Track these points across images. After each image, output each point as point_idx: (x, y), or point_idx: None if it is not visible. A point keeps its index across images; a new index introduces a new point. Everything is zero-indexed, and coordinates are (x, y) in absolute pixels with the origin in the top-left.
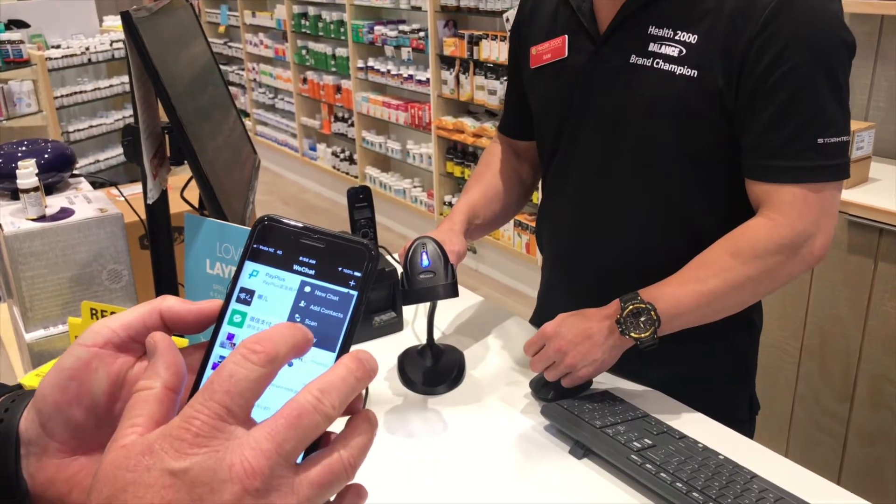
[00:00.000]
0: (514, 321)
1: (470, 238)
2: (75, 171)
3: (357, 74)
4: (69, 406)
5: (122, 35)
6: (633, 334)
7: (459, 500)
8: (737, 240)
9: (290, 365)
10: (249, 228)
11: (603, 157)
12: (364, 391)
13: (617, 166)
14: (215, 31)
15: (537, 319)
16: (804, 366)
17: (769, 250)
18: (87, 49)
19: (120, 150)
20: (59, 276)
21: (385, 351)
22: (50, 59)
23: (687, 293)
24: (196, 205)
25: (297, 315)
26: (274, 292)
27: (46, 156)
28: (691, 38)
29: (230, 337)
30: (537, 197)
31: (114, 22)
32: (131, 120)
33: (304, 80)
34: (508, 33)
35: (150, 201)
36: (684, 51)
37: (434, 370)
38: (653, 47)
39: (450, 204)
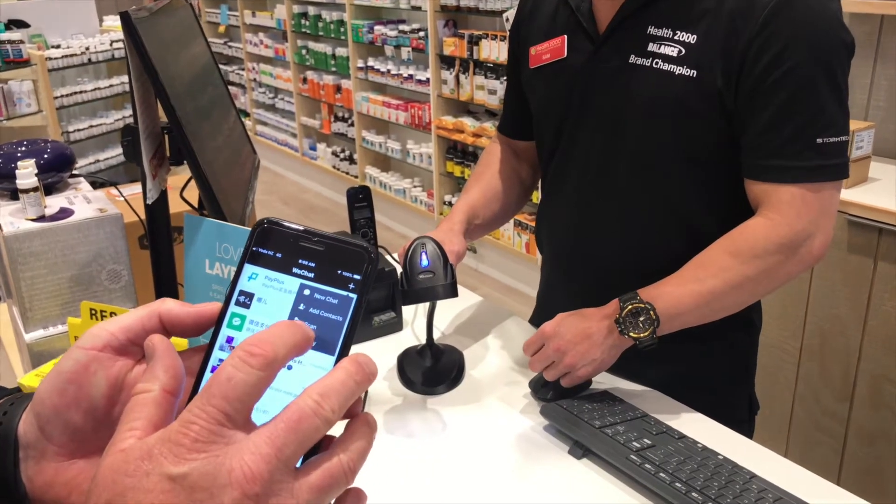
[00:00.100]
0: (513, 321)
1: (469, 238)
2: (75, 171)
3: (357, 74)
4: (68, 409)
5: (122, 35)
6: (632, 334)
7: (459, 500)
8: (736, 239)
9: (290, 368)
10: (249, 229)
11: (602, 157)
12: (363, 393)
13: (616, 166)
14: (215, 31)
15: (537, 319)
16: (804, 365)
17: (768, 250)
18: (87, 49)
19: (120, 150)
20: (59, 276)
21: (384, 351)
22: (50, 58)
23: (686, 293)
24: (195, 205)
25: (296, 318)
26: (273, 295)
27: (46, 156)
28: (690, 38)
29: (229, 340)
30: (537, 197)
31: (114, 22)
32: (131, 120)
33: (304, 80)
34: (508, 33)
35: (149, 201)
36: (683, 51)
37: (433, 370)
38: (652, 47)
39: (450, 203)
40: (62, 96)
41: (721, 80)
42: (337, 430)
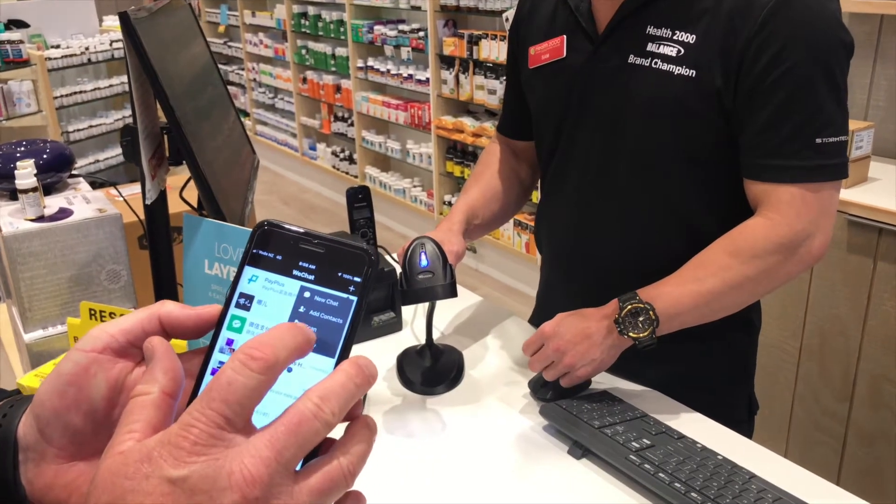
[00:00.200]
0: (512, 321)
1: (469, 238)
2: (74, 172)
3: (357, 74)
4: (67, 411)
5: (121, 35)
6: (631, 334)
7: (458, 500)
8: (735, 239)
9: (289, 370)
10: (248, 229)
11: (602, 157)
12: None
13: (616, 166)
14: (215, 31)
15: (536, 319)
16: (803, 365)
17: (768, 250)
18: (87, 49)
19: (119, 150)
20: (58, 276)
21: (384, 351)
22: (49, 59)
23: (685, 293)
24: (195, 205)
25: (296, 321)
26: (273, 297)
27: (45, 156)
28: (689, 38)
29: (229, 342)
30: (536, 196)
31: (113, 22)
32: (131, 120)
33: (304, 80)
34: (508, 33)
35: (148, 202)
36: (682, 51)
37: (433, 370)
38: (651, 47)
39: (449, 203)
40: (62, 96)
41: (720, 79)
42: (337, 432)
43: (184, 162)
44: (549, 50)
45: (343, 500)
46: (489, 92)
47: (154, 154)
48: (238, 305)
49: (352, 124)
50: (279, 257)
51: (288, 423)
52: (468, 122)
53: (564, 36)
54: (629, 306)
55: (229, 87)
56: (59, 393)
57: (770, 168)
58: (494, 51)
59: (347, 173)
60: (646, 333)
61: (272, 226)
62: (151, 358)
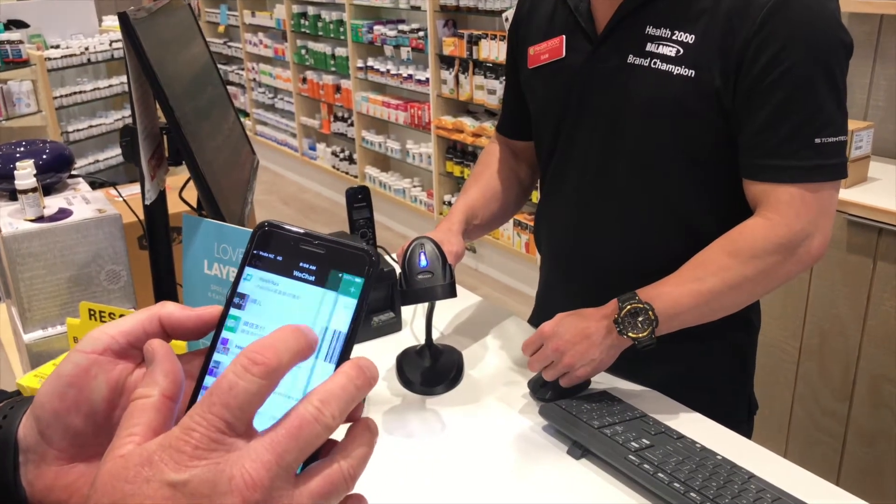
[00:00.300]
0: (512, 321)
1: (468, 238)
2: (74, 172)
3: (356, 74)
4: (68, 413)
5: (121, 35)
6: (630, 334)
7: (458, 500)
8: (734, 239)
9: (293, 381)
10: (248, 229)
11: (601, 157)
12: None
13: (615, 166)
14: (215, 31)
15: (536, 319)
16: (803, 365)
17: (767, 250)
18: (87, 49)
19: (119, 150)
20: (58, 276)
21: (383, 351)
22: (49, 59)
23: (685, 293)
24: (194, 205)
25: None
26: (274, 298)
27: (45, 156)
28: (688, 38)
29: (224, 342)
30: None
31: (113, 22)
32: (130, 120)
33: (304, 80)
34: (507, 33)
35: (147, 202)
36: (682, 51)
37: (432, 370)
38: (650, 47)
39: (449, 203)
40: (61, 96)
41: (719, 79)
42: (339, 433)
43: (183, 162)
44: (548, 50)
45: (344, 502)
46: (489, 92)
47: (153, 154)
48: (238, 306)
49: (351, 124)
50: (280, 258)
51: (289, 426)
52: (468, 122)
53: (564, 36)
54: (628, 306)
55: (229, 88)
56: (60, 394)
57: (769, 168)
58: (494, 51)
59: (347, 173)
60: (645, 333)
61: (273, 227)
62: (152, 360)
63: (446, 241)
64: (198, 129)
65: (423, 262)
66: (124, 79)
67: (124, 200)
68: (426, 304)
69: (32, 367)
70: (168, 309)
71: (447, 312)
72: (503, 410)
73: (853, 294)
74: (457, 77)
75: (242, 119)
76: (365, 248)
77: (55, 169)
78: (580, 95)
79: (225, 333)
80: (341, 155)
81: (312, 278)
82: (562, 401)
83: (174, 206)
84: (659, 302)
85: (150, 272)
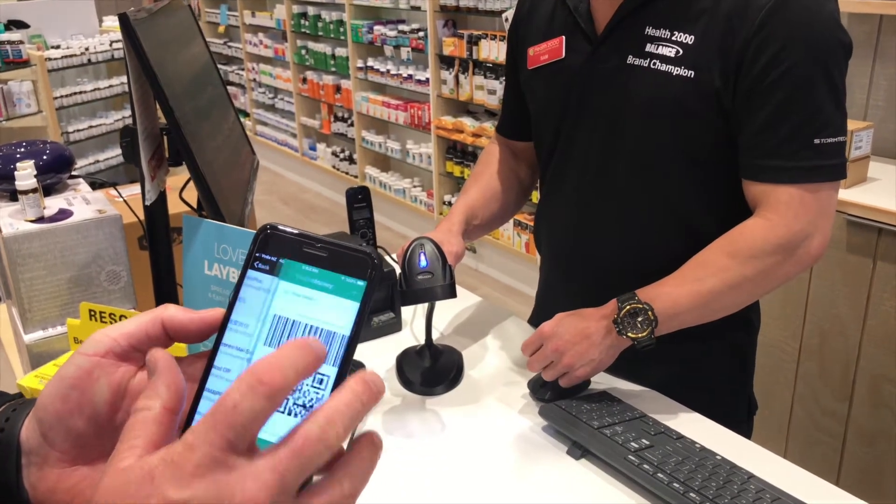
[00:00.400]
0: (512, 321)
1: (468, 239)
2: (74, 172)
3: (357, 74)
4: (70, 415)
5: (121, 35)
6: (630, 334)
7: (457, 500)
8: (734, 240)
9: (297, 387)
10: (247, 230)
11: (601, 158)
12: None
13: (615, 166)
14: (215, 31)
15: (536, 319)
16: (803, 365)
17: (766, 250)
18: (87, 49)
19: (119, 150)
20: (58, 277)
21: (383, 351)
22: (49, 59)
23: (684, 293)
24: (195, 206)
25: (305, 334)
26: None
27: (45, 157)
28: (688, 39)
29: (230, 346)
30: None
31: (113, 22)
32: (130, 120)
33: (304, 80)
34: (507, 33)
35: (147, 203)
36: (681, 51)
37: (432, 371)
38: (650, 48)
39: (449, 203)
40: (62, 97)
41: (719, 80)
42: None
43: (183, 163)
44: (547, 51)
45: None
46: (489, 92)
47: (153, 155)
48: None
49: (352, 124)
50: (282, 261)
51: (292, 446)
52: (468, 123)
53: (563, 37)
54: (628, 306)
55: (229, 88)
56: (62, 397)
57: (768, 169)
58: (494, 51)
59: (347, 173)
60: (644, 334)
61: (275, 229)
62: (154, 371)
63: (446, 241)
64: (198, 130)
65: (423, 263)
66: (124, 79)
67: (124, 201)
68: (426, 305)
69: (33, 368)
70: (170, 312)
71: (447, 313)
72: (503, 411)
73: (853, 294)
74: (457, 77)
75: (242, 119)
76: (367, 252)
77: (55, 169)
78: (580, 96)
79: (227, 337)
80: (341, 155)
81: (315, 281)
82: (561, 401)
83: (174, 206)
84: (658, 302)
85: (151, 273)
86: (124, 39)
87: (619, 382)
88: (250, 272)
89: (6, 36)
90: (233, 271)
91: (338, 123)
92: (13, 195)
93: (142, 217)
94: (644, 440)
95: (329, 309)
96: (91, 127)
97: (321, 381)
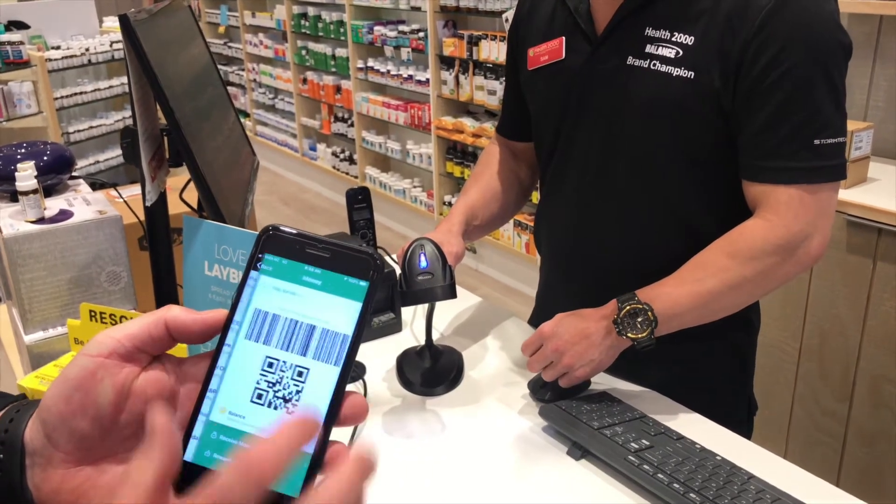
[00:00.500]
0: (512, 322)
1: (468, 239)
2: (74, 173)
3: (357, 75)
4: (74, 416)
5: (121, 36)
6: (630, 335)
7: (458, 500)
8: (734, 240)
9: (295, 374)
10: (248, 231)
11: (601, 158)
12: (364, 390)
13: (615, 167)
14: (215, 32)
15: (536, 320)
16: (803, 366)
17: (766, 251)
18: (87, 50)
19: (120, 150)
20: (58, 278)
21: (384, 352)
22: (50, 60)
23: (684, 293)
24: (195, 206)
25: (301, 409)
26: (278, 302)
27: (45, 158)
28: (688, 40)
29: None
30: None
31: (113, 23)
32: (131, 121)
33: (304, 81)
34: (507, 33)
35: (147, 204)
36: (681, 52)
37: (432, 371)
38: (650, 49)
39: (449, 204)
40: (62, 97)
41: (718, 81)
42: (343, 434)
43: (184, 163)
44: (547, 51)
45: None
46: (489, 92)
47: (154, 156)
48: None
49: (352, 125)
50: (284, 262)
51: None
52: (468, 123)
53: (563, 37)
54: (628, 307)
55: (229, 88)
56: (66, 398)
57: (768, 169)
58: (494, 51)
59: (347, 174)
60: (644, 334)
61: (277, 230)
62: (152, 433)
63: (446, 241)
64: (198, 130)
65: (423, 264)
66: (125, 79)
67: (125, 201)
68: (426, 305)
69: (33, 369)
70: (173, 312)
71: (447, 313)
72: (503, 411)
73: (853, 294)
74: (457, 78)
75: (243, 120)
76: (370, 252)
77: (56, 170)
78: (580, 96)
79: (230, 337)
80: (341, 155)
81: (317, 282)
82: (561, 402)
83: (175, 207)
84: (658, 303)
85: (151, 273)
86: (125, 40)
87: (619, 383)
88: (253, 273)
89: (6, 36)
90: (233, 272)
91: (338, 124)
92: (14, 196)
93: (142, 218)
94: (644, 441)
95: (331, 309)
96: (91, 127)
97: (300, 374)
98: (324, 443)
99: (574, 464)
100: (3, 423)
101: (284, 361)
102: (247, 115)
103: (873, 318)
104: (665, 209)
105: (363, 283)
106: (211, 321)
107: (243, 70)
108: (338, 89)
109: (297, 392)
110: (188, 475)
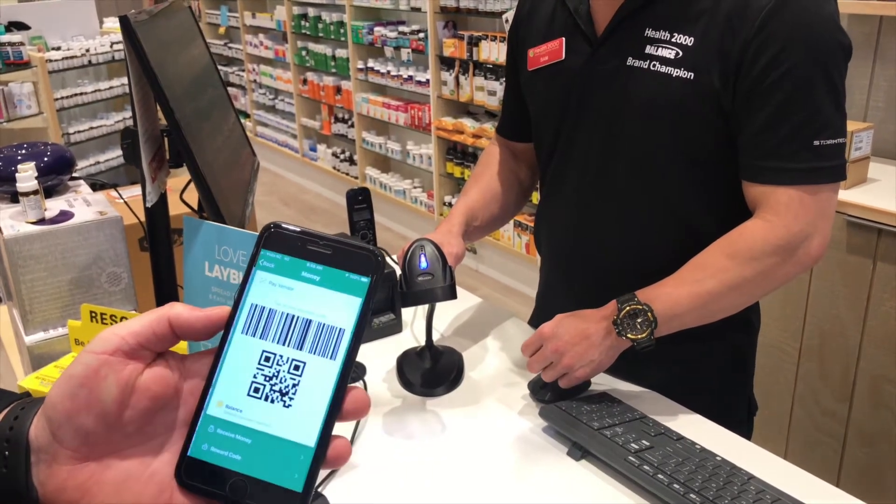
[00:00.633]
0: (512, 322)
1: (468, 240)
2: (75, 174)
3: (357, 75)
4: (79, 413)
5: (121, 37)
6: (629, 335)
7: (457, 501)
8: (734, 241)
9: (295, 374)
10: (248, 231)
11: (601, 158)
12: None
13: (615, 167)
14: (215, 33)
15: (536, 320)
16: (803, 366)
17: (766, 252)
18: (88, 51)
19: (120, 151)
20: (59, 278)
21: (384, 352)
22: (50, 60)
23: (684, 294)
24: (195, 207)
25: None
26: (281, 299)
27: (46, 159)
28: (688, 41)
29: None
30: (536, 197)
31: (114, 24)
32: (131, 121)
33: (304, 81)
34: (507, 34)
35: (148, 204)
36: (681, 53)
37: (433, 372)
38: (649, 49)
39: (450, 204)
40: (62, 98)
41: (718, 81)
42: (346, 428)
43: (184, 164)
44: (547, 52)
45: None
46: (489, 93)
47: (154, 156)
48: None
49: (352, 125)
50: (286, 259)
51: None
52: (468, 124)
53: (563, 38)
54: (628, 307)
55: (229, 89)
56: (71, 395)
57: (768, 170)
58: (494, 52)
59: (348, 174)
60: (644, 335)
61: (279, 228)
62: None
63: (446, 242)
64: (198, 131)
65: (424, 264)
66: (125, 80)
67: (125, 202)
68: (426, 306)
69: (34, 369)
70: (177, 310)
71: (447, 314)
72: (503, 412)
73: (853, 295)
74: (457, 78)
75: (243, 120)
76: (371, 249)
77: (56, 171)
78: (580, 97)
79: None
80: (342, 156)
81: (318, 278)
82: (562, 402)
83: (175, 207)
84: (658, 303)
85: (151, 274)
86: (125, 41)
87: (619, 383)
88: (255, 270)
89: (7, 37)
90: (233, 273)
91: (338, 124)
92: (14, 197)
93: (142, 218)
94: (644, 441)
95: (331, 305)
96: (92, 128)
97: (297, 368)
98: (326, 437)
99: (574, 464)
100: (7, 420)
101: (281, 355)
102: (247, 115)
103: (873, 319)
104: (665, 209)
105: (364, 280)
106: (214, 318)
107: (243, 71)
108: (338, 90)
109: (295, 386)
110: (190, 470)
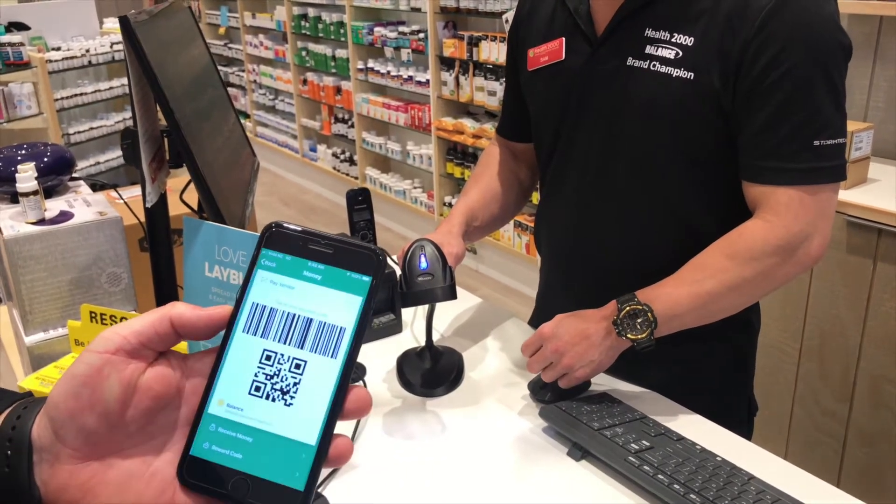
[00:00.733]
0: (512, 322)
1: (468, 240)
2: (75, 174)
3: (357, 76)
4: (82, 413)
5: (121, 37)
6: (629, 335)
7: (458, 501)
8: (733, 241)
9: (296, 373)
10: (248, 232)
11: (601, 159)
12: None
13: (615, 167)
14: (215, 33)
15: (536, 320)
16: (803, 366)
17: (765, 252)
18: (88, 51)
19: (120, 151)
20: (59, 279)
21: (384, 353)
22: (50, 61)
23: (684, 294)
24: (195, 207)
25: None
26: (283, 298)
27: (46, 159)
28: (688, 41)
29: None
30: (536, 197)
31: (114, 24)
32: (131, 122)
33: (304, 82)
34: (507, 34)
35: (148, 205)
36: (681, 53)
37: (433, 372)
38: (649, 49)
39: (450, 205)
40: (62, 98)
41: (718, 81)
42: (346, 428)
43: (184, 164)
44: (547, 52)
45: None
46: (489, 93)
47: (154, 157)
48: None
49: (352, 126)
50: (288, 258)
51: None
52: (468, 124)
53: (563, 38)
54: (628, 308)
55: (229, 89)
56: (74, 395)
57: (768, 170)
58: (494, 52)
59: (348, 175)
60: (644, 335)
61: (280, 227)
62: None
63: (446, 242)
64: (198, 131)
65: (424, 264)
66: (125, 81)
67: (125, 203)
68: (426, 306)
69: (34, 370)
70: (178, 309)
71: (447, 314)
72: (503, 412)
73: (853, 295)
74: (457, 78)
75: (243, 121)
76: (372, 248)
77: (56, 171)
78: (580, 97)
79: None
80: (342, 156)
81: (320, 277)
82: (562, 402)
83: (175, 208)
84: (658, 303)
85: (151, 274)
86: (125, 41)
87: (620, 384)
88: (256, 269)
89: (7, 38)
90: (233, 273)
91: (338, 125)
92: (14, 197)
93: (142, 219)
94: (644, 441)
95: (332, 303)
96: (92, 129)
97: (298, 366)
98: (328, 436)
99: (574, 465)
100: (10, 420)
101: (282, 354)
102: (247, 116)
103: (873, 319)
104: (665, 209)
105: (366, 278)
106: (216, 317)
107: (243, 71)
108: (338, 90)
109: (296, 384)
110: (192, 469)
